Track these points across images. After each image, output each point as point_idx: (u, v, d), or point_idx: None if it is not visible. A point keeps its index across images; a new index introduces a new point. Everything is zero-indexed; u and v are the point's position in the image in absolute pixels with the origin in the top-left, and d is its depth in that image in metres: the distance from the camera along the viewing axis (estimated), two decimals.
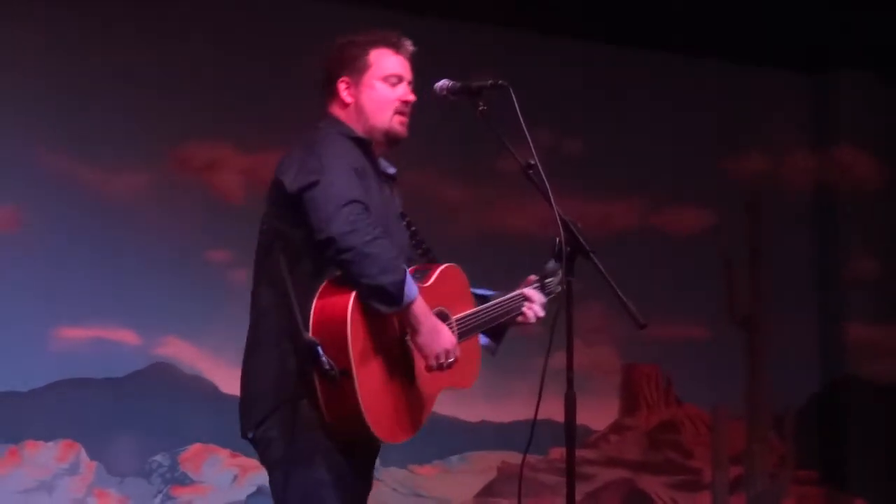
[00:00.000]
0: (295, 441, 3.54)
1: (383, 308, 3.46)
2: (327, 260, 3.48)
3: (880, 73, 8.19)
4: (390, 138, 3.79)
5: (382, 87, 3.78)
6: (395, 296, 3.45)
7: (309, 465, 3.54)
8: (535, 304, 3.93)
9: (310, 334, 3.47)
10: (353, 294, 3.47)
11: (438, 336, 3.56)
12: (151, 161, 6.71)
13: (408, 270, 3.50)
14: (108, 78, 6.62)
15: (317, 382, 3.47)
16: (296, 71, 6.90)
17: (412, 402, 3.61)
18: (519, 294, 3.93)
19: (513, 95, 3.59)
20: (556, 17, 7.42)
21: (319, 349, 3.44)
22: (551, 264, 4.03)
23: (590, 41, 7.68)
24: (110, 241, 6.58)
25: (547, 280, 4.01)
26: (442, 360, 3.57)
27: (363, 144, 3.74)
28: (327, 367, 3.43)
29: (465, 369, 3.77)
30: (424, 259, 3.90)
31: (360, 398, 3.44)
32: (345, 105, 3.80)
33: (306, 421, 3.51)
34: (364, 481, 3.70)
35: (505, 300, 3.91)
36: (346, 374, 3.44)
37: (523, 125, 3.54)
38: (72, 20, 6.62)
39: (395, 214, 3.82)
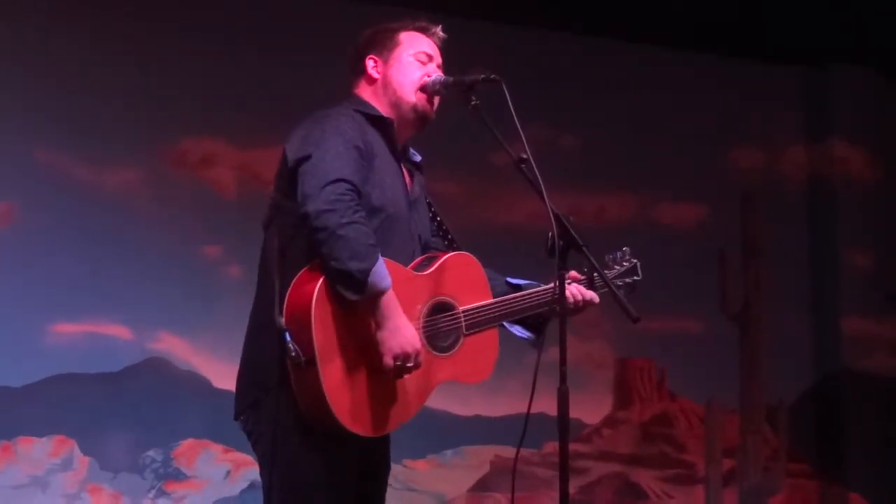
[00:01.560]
0: (277, 438, 3.50)
1: (349, 294, 3.40)
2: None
3: (875, 67, 8.19)
4: (419, 115, 3.75)
5: (412, 62, 3.76)
6: (360, 283, 3.38)
7: (291, 463, 3.50)
8: (572, 293, 3.78)
9: (283, 321, 3.44)
10: (322, 280, 3.41)
11: (398, 336, 3.45)
12: (145, 157, 6.71)
13: (382, 260, 3.42)
14: (102, 75, 6.62)
15: (290, 370, 3.44)
16: (289, 67, 6.91)
17: (397, 393, 3.53)
18: (552, 287, 3.75)
19: (505, 90, 3.56)
20: (550, 12, 7.41)
21: (288, 335, 3.41)
22: (609, 257, 4.02)
23: (584, 35, 7.67)
24: (104, 236, 6.58)
25: (597, 276, 3.89)
26: (399, 363, 3.47)
27: (382, 124, 3.71)
28: (293, 354, 3.40)
29: (472, 364, 3.71)
30: (448, 249, 3.84)
31: (324, 387, 3.39)
32: (371, 81, 3.78)
33: (288, 417, 3.47)
34: (357, 476, 3.61)
35: (532, 293, 3.82)
36: (311, 361, 3.39)
37: (515, 120, 3.51)
38: (66, 18, 6.62)
39: (412, 199, 3.76)
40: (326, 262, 3.40)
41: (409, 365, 3.49)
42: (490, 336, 3.77)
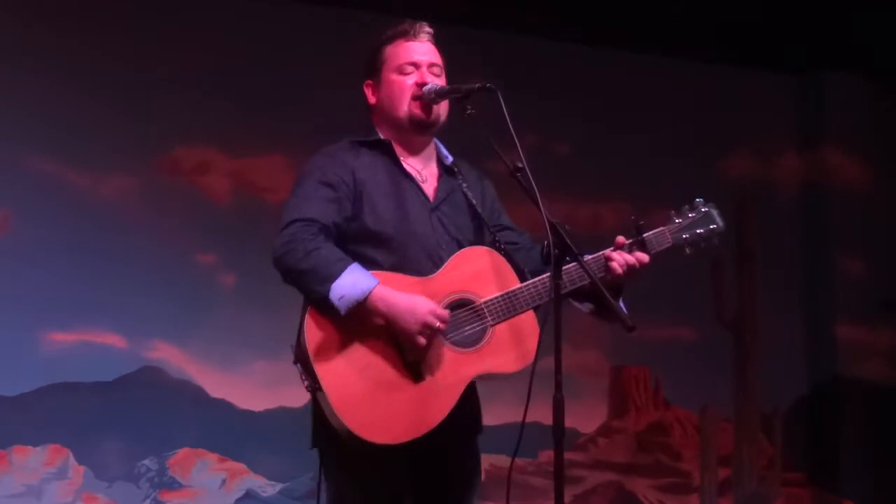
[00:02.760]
0: (326, 460, 3.63)
1: (338, 315, 3.43)
2: None
3: (868, 74, 8.21)
4: (415, 124, 3.74)
5: (398, 77, 3.76)
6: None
7: (336, 484, 3.60)
8: (617, 260, 3.68)
9: (294, 358, 3.53)
10: (309, 309, 3.48)
11: (410, 318, 3.46)
12: (139, 165, 6.70)
13: (353, 267, 3.43)
14: (96, 83, 6.62)
15: (317, 400, 3.53)
16: (283, 76, 6.90)
17: (421, 397, 3.52)
18: (600, 255, 3.70)
19: (501, 99, 3.55)
20: (544, 19, 7.42)
21: (299, 367, 3.49)
22: (673, 212, 3.93)
23: (578, 43, 7.68)
24: (99, 244, 6.57)
25: (647, 235, 3.84)
26: (424, 337, 3.47)
27: (381, 147, 3.73)
28: (306, 385, 3.48)
29: (508, 352, 3.65)
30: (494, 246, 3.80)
31: (334, 407, 3.43)
32: (373, 107, 3.81)
33: (330, 440, 3.55)
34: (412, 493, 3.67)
35: (566, 270, 3.61)
36: (320, 387, 3.45)
37: (511, 128, 3.50)
38: (61, 26, 6.61)
39: (434, 206, 3.74)
40: (307, 298, 3.48)
41: (438, 326, 3.47)
42: (526, 320, 3.67)
